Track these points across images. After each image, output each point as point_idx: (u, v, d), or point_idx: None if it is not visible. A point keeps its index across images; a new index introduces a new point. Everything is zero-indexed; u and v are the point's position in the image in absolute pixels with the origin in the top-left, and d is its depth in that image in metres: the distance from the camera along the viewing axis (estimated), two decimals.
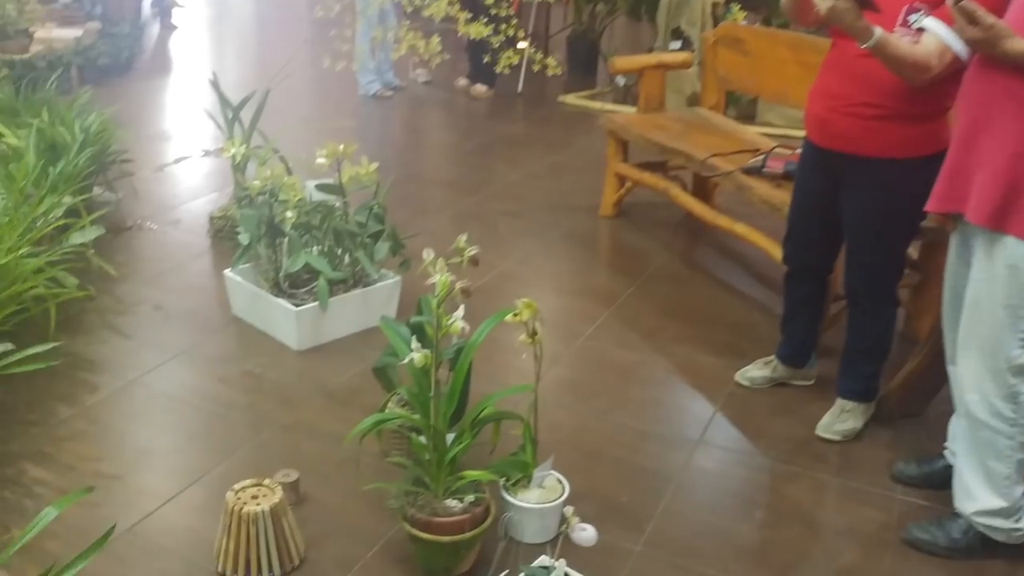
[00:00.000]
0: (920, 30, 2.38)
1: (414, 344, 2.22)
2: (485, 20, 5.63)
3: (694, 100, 6.40)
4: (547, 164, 5.57)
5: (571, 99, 7.25)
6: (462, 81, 7.40)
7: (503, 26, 5.87)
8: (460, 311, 2.17)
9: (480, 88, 7.23)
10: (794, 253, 3.02)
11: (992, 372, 2.26)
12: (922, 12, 2.40)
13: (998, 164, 2.15)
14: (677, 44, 7.20)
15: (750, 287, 3.97)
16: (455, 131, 6.45)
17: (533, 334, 2.30)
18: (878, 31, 2.30)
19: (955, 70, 2.37)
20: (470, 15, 5.55)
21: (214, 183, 5.00)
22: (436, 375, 2.24)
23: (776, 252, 3.55)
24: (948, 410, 2.53)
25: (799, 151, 3.77)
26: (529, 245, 4.35)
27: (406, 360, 2.22)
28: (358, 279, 3.45)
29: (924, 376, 2.95)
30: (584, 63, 8.23)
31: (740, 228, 3.81)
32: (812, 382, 3.21)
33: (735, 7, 7.14)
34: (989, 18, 2.03)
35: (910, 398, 3.03)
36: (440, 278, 2.18)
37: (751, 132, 4.32)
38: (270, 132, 4.11)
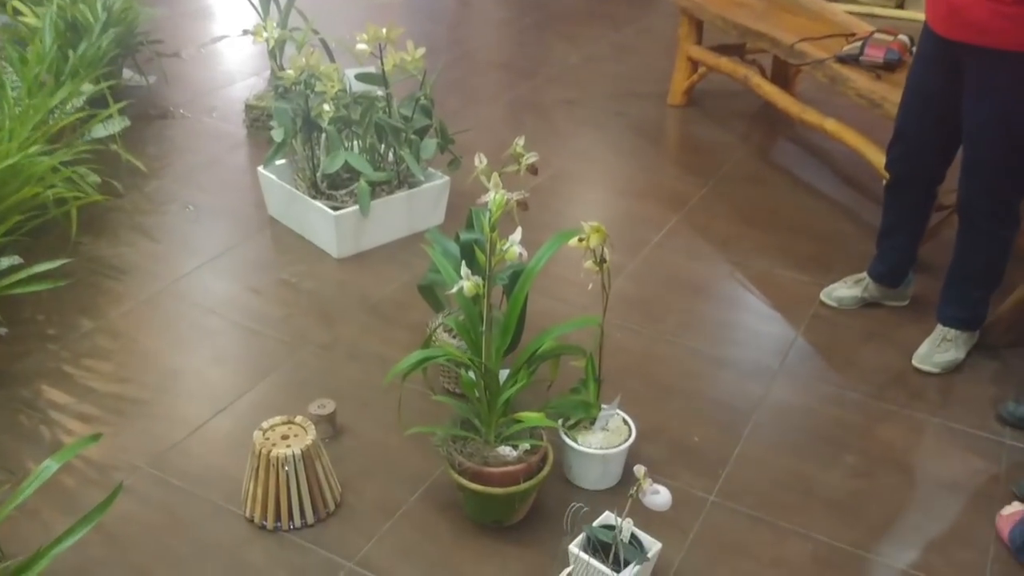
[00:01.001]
0: None
1: (463, 270, 1.92)
2: None
3: None
4: (610, 44, 5.11)
5: None
6: None
7: None
8: (517, 234, 1.86)
9: None
10: (902, 160, 2.63)
11: None
12: None
13: None
14: None
15: (839, 192, 3.56)
16: (510, 4, 5.96)
17: (602, 262, 1.98)
18: None
19: None
20: None
21: (253, 66, 4.65)
22: (488, 303, 1.95)
23: (873, 155, 3.14)
24: None
25: (902, 37, 3.34)
26: (590, 138, 3.97)
27: (455, 289, 1.92)
28: (403, 180, 3.13)
29: None
30: None
31: (830, 124, 3.38)
32: (907, 303, 2.87)
33: None
34: None
35: (1022, 325, 2.68)
36: (494, 197, 1.86)
37: (842, 12, 3.82)
38: (309, 11, 3.74)
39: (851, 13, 3.92)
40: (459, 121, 3.76)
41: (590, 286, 2.09)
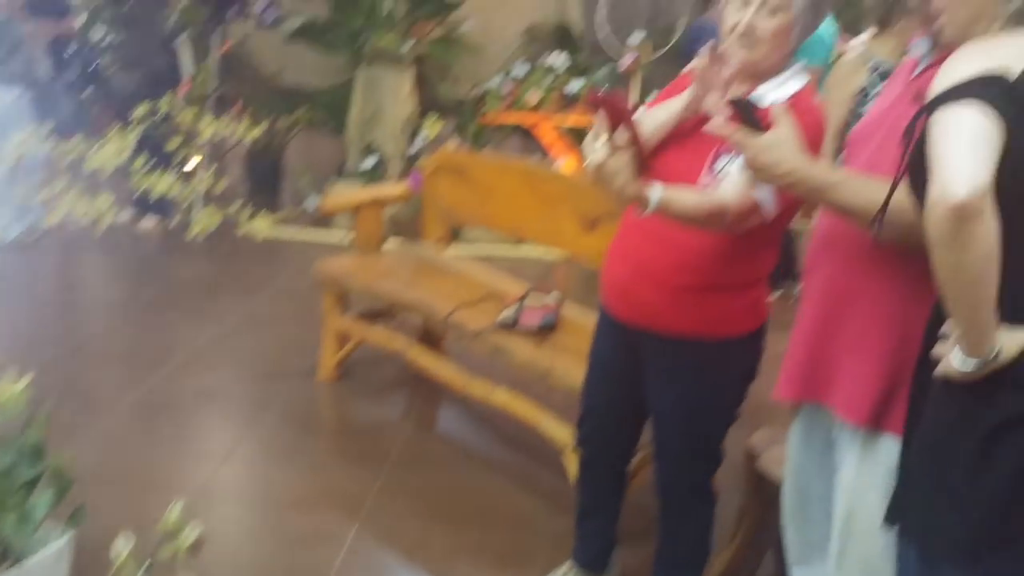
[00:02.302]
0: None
1: None
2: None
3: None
4: (244, 316, 4.69)
5: (259, 227, 6.39)
6: (126, 214, 6.23)
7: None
8: None
9: (149, 222, 6.16)
10: (592, 439, 2.47)
11: None
12: (731, 157, 1.96)
13: (873, 350, 1.73)
14: (372, 161, 6.67)
15: (518, 460, 3.35)
16: (122, 282, 5.35)
17: None
18: (657, 194, 1.83)
19: (773, 232, 1.97)
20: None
21: None
22: None
23: (550, 427, 2.99)
24: None
25: (553, 296, 3.31)
26: (235, 439, 3.46)
27: None
28: (4, 553, 2.41)
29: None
30: (268, 183, 7.45)
31: (500, 396, 3.21)
32: None
33: (430, 119, 6.77)
34: (753, 143, 1.64)
35: None
36: None
37: (486, 272, 3.78)
38: None
39: (473, 257, 3.90)
40: (76, 441, 3.10)
41: None
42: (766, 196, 1.89)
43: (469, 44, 7.16)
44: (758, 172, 1.70)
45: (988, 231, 1.21)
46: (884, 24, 3.31)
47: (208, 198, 5.86)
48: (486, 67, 7.35)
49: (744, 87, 2.00)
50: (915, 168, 1.38)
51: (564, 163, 7.10)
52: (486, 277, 3.72)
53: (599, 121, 1.77)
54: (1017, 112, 1.25)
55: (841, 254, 1.76)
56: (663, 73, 7.67)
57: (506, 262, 5.65)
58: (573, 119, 7.25)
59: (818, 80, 3.73)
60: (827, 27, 5.37)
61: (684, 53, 5.65)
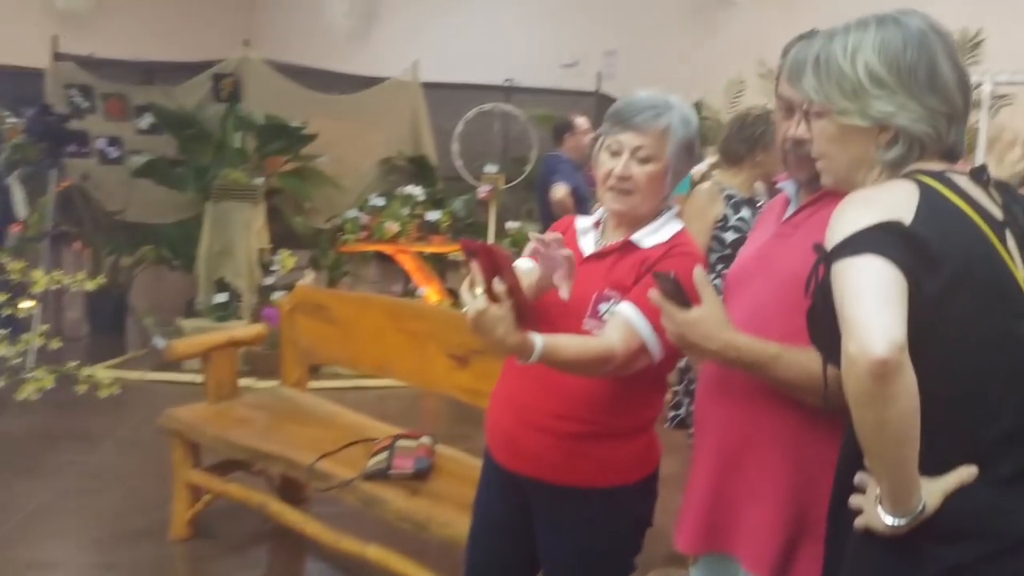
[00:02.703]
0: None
1: None
2: None
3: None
4: (85, 471, 4.29)
5: (100, 372, 5.97)
6: None
7: None
8: None
9: None
10: None
11: None
12: (613, 300, 1.92)
13: (773, 495, 1.67)
14: (223, 297, 6.41)
15: None
16: None
17: None
18: (539, 343, 1.74)
19: (661, 373, 1.93)
20: None
21: None
22: None
23: None
24: None
25: (424, 440, 3.16)
26: None
27: None
28: None
29: None
30: (112, 323, 7.04)
31: (373, 552, 2.99)
32: None
33: (284, 253, 6.61)
34: (681, 319, 1.61)
35: None
36: None
37: (351, 415, 3.60)
38: None
39: (335, 388, 3.72)
40: None
41: None
42: (653, 338, 1.84)
43: (324, 177, 7.11)
44: (686, 348, 1.66)
45: (908, 386, 1.18)
46: (736, 159, 3.42)
47: (43, 354, 5.36)
48: (342, 198, 7.30)
49: (619, 234, 1.98)
50: (816, 320, 1.35)
51: (427, 291, 7.05)
52: (351, 419, 3.54)
53: (475, 269, 1.68)
54: (916, 261, 1.24)
55: (736, 396, 1.71)
56: (518, 201, 7.83)
57: (370, 393, 5.48)
58: (433, 247, 7.25)
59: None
60: None
61: (539, 183, 5.75)
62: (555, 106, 7.54)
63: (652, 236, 1.97)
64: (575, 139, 5.62)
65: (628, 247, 1.96)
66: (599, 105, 7.94)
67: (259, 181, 6.56)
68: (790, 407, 1.64)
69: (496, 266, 1.66)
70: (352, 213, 7.10)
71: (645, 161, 1.93)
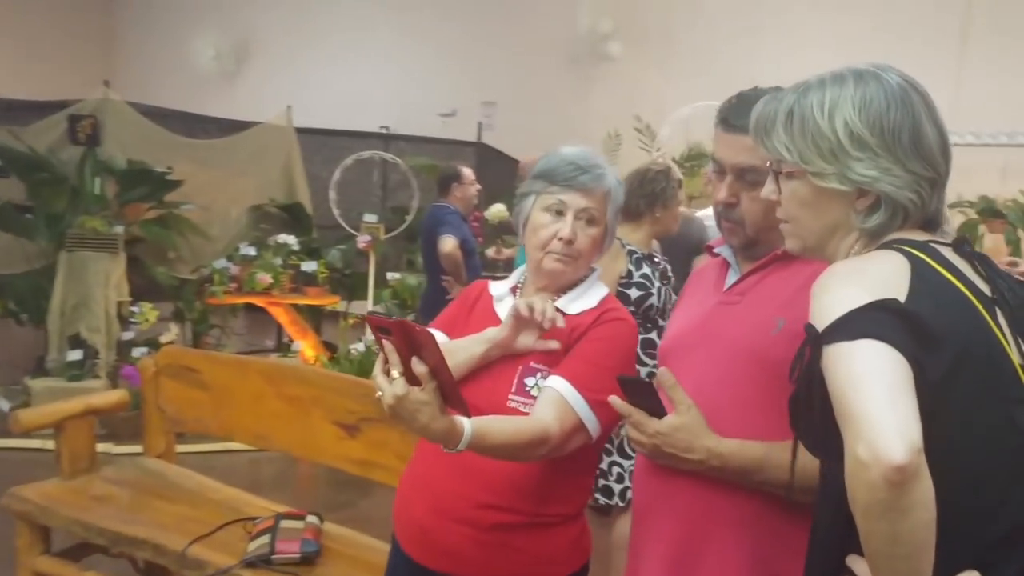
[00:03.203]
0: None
1: None
2: None
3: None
4: None
5: None
6: None
7: None
8: None
9: None
10: None
11: None
12: (541, 374, 1.74)
13: None
14: (77, 353, 5.91)
15: None
16: None
17: None
18: (468, 428, 1.53)
19: (592, 454, 1.79)
20: None
21: None
22: None
23: None
24: None
25: (311, 520, 2.88)
26: None
27: None
28: None
29: None
30: None
31: None
32: None
33: (146, 306, 6.17)
34: (656, 429, 1.48)
35: None
36: None
37: (226, 490, 3.27)
38: None
39: (203, 453, 3.40)
40: None
41: None
42: (589, 414, 1.68)
43: (190, 225, 6.71)
44: (660, 459, 1.52)
45: (926, 493, 1.03)
46: (635, 215, 3.33)
47: None
48: (210, 247, 6.91)
49: (544, 300, 1.82)
50: (800, 408, 1.20)
51: (303, 346, 6.72)
52: (225, 495, 3.21)
53: (389, 349, 1.47)
54: (916, 344, 1.11)
55: (691, 477, 1.54)
56: (398, 251, 7.61)
57: (243, 457, 5.10)
58: (308, 299, 6.93)
59: None
60: None
61: (425, 234, 5.54)
62: (435, 155, 7.40)
63: (578, 302, 1.82)
64: (463, 189, 5.46)
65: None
66: (479, 155, 7.85)
67: (119, 229, 6.11)
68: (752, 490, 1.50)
69: (414, 344, 1.45)
70: (221, 263, 6.71)
71: (590, 224, 1.79)
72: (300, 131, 7.56)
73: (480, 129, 8.34)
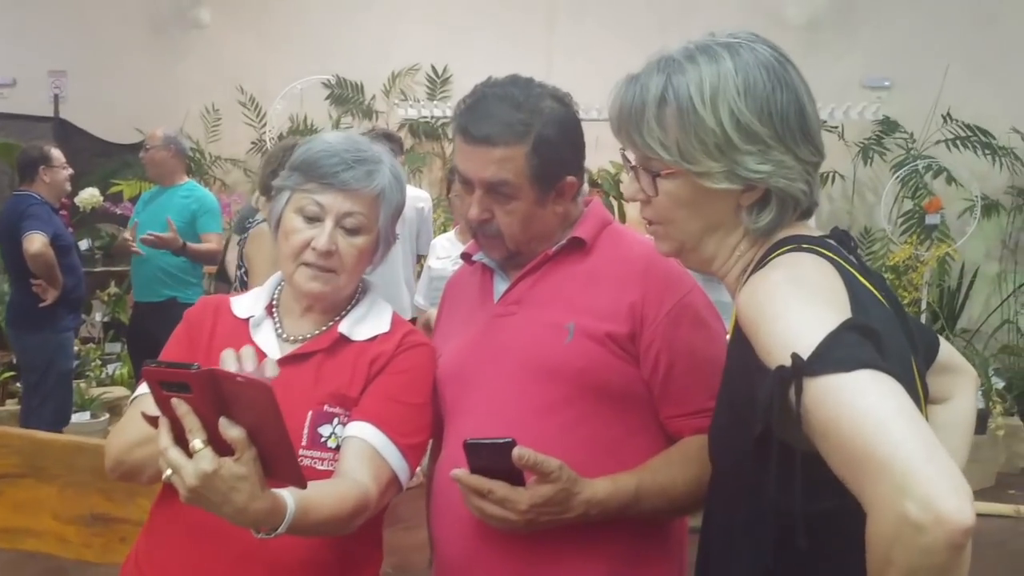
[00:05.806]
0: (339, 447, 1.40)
1: None
2: None
3: None
4: None
5: None
6: None
7: None
8: None
9: None
10: None
11: None
12: (339, 419, 1.41)
13: None
14: None
15: None
16: None
17: None
18: (291, 505, 1.15)
19: (381, 512, 1.48)
20: None
21: None
22: None
23: None
24: None
25: None
26: None
27: None
28: None
29: None
30: None
31: None
32: None
33: None
34: (526, 501, 1.27)
35: None
36: None
37: None
38: None
39: None
40: None
41: None
42: (401, 463, 1.39)
43: None
44: (535, 528, 1.28)
45: (969, 552, 0.86)
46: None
47: None
48: None
49: (311, 323, 1.48)
50: (767, 450, 0.99)
51: None
52: None
53: (186, 412, 1.04)
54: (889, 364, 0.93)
55: (526, 538, 1.32)
56: None
57: None
58: None
59: None
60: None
61: (3, 230, 4.60)
62: (3, 133, 6.28)
63: (365, 325, 1.50)
64: (52, 174, 4.61)
65: (339, 343, 1.46)
66: (58, 131, 6.83)
67: None
68: (602, 542, 1.31)
69: (225, 397, 1.03)
70: None
71: (354, 232, 1.45)
72: None
73: (57, 103, 7.25)
